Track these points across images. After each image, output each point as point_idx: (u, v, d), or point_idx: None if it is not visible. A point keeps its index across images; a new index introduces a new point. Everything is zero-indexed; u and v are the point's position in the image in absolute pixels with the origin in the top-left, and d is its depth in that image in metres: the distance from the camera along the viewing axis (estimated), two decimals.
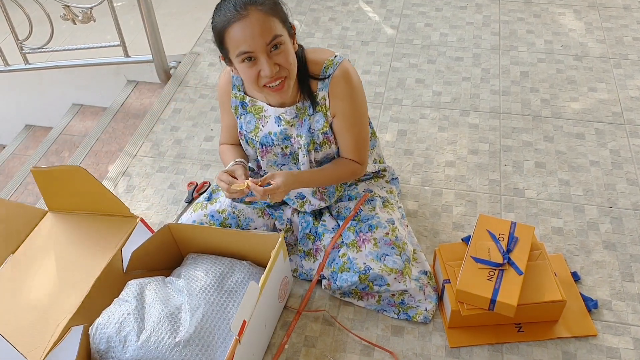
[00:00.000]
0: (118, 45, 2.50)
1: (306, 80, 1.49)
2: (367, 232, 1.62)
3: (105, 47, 2.52)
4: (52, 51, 2.55)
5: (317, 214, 1.76)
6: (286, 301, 1.67)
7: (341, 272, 1.60)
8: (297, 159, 1.62)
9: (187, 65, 2.69)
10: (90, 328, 1.44)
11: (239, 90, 1.59)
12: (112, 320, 1.43)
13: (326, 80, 1.48)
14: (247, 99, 1.59)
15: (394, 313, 1.63)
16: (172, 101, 2.49)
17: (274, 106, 1.55)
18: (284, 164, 1.66)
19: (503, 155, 2.12)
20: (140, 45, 2.61)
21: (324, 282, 1.67)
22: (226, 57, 1.41)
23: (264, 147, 1.62)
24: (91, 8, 2.32)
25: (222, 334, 1.42)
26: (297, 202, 1.71)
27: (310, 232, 1.73)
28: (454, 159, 2.11)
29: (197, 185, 2.05)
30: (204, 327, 1.40)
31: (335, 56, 1.50)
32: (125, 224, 1.69)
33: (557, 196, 1.96)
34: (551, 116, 2.27)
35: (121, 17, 2.42)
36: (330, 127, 1.55)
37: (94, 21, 2.36)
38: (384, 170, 1.86)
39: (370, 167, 1.77)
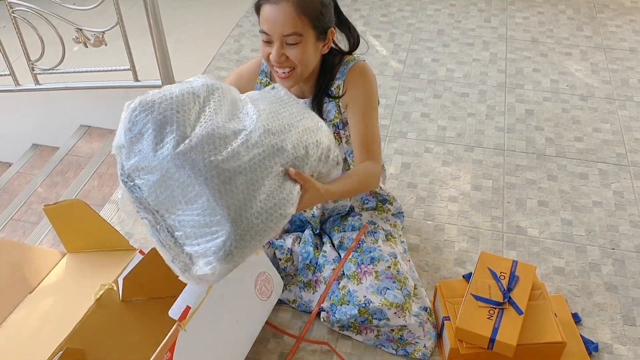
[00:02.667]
0: (128, 70, 2.53)
1: (325, 81, 1.54)
2: (368, 264, 1.62)
3: (115, 70, 2.55)
4: (62, 73, 2.59)
5: (319, 244, 1.76)
6: (269, 298, 1.56)
7: (340, 305, 1.59)
8: None
9: None
10: (128, 103, 1.26)
11: (266, 76, 1.63)
12: (163, 106, 1.23)
13: (345, 70, 1.53)
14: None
15: (393, 349, 1.61)
16: None
17: (296, 97, 1.53)
18: None
19: (506, 192, 2.12)
20: (150, 70, 2.64)
21: (323, 314, 1.65)
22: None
23: None
24: (103, 32, 2.35)
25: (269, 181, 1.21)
26: None
27: (310, 262, 1.72)
28: (457, 194, 2.11)
29: None
30: (253, 164, 1.19)
31: (358, 56, 1.58)
32: (126, 257, 1.71)
33: (559, 236, 1.95)
34: (555, 155, 2.27)
35: (132, 42, 2.45)
36: (342, 122, 1.58)
37: (106, 45, 2.39)
38: (390, 203, 1.85)
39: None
